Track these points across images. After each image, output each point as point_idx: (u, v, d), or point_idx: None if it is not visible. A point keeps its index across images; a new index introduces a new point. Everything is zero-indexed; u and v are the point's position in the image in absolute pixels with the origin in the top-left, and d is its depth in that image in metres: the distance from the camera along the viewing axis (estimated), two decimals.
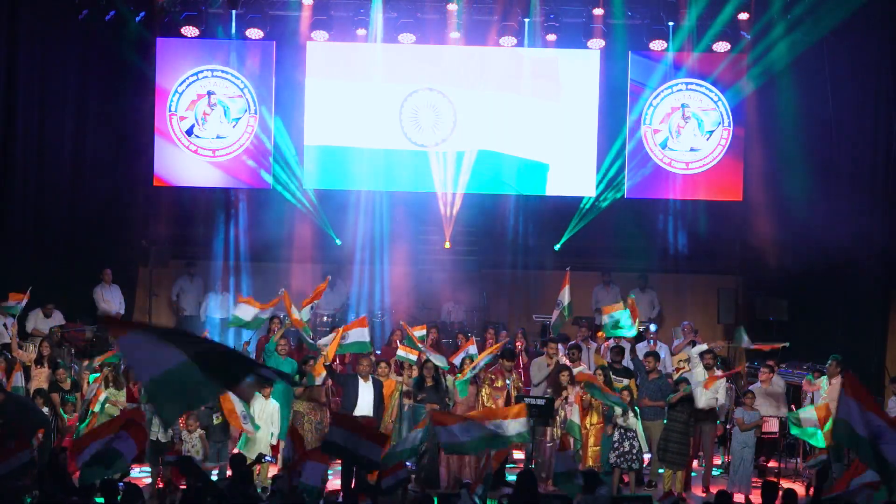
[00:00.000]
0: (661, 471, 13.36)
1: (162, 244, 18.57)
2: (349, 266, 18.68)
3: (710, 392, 13.51)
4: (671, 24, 17.93)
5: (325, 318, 17.36)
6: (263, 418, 13.13)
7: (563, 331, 16.24)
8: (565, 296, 15.59)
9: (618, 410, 12.93)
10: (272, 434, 13.18)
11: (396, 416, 13.56)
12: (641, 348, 15.39)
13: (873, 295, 17.18)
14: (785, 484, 13.49)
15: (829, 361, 13.60)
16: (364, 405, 12.92)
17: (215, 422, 12.92)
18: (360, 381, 13.09)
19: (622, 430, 12.88)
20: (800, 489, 13.62)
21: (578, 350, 14.59)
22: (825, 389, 13.51)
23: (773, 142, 18.22)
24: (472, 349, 14.18)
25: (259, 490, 12.89)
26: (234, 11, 17.86)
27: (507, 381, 13.76)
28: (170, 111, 18.27)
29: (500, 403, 13.53)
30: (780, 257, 17.90)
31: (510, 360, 13.99)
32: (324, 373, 13.35)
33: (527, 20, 17.97)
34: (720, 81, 18.36)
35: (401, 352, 14.31)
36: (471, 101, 18.43)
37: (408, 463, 12.88)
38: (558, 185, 18.60)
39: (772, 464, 14.43)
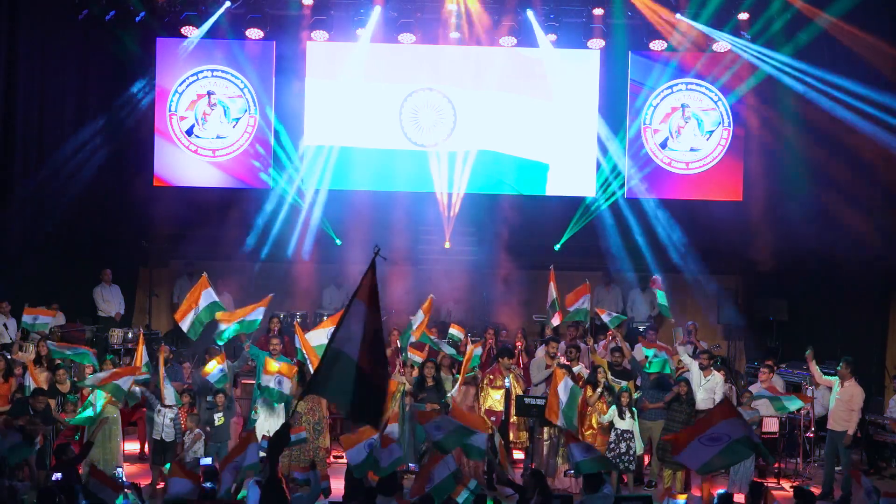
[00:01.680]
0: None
1: (162, 244, 18.58)
2: (349, 266, 18.65)
3: (706, 392, 13.52)
4: (671, 24, 17.92)
5: (325, 318, 17.32)
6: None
7: (562, 330, 16.23)
8: (551, 293, 15.50)
9: (614, 411, 12.96)
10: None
11: (400, 416, 13.52)
12: (641, 348, 15.37)
13: (873, 295, 17.20)
14: (785, 484, 13.55)
15: (840, 364, 13.59)
16: None
17: (217, 422, 12.92)
18: None
19: (619, 432, 12.89)
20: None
21: (577, 349, 14.58)
22: (837, 391, 13.50)
23: (773, 142, 18.22)
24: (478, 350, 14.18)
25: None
26: (234, 11, 17.83)
27: (507, 380, 13.73)
28: (170, 111, 18.27)
29: (500, 403, 13.51)
30: (780, 257, 17.89)
31: (509, 357, 13.96)
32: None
33: (527, 18, 17.96)
34: (720, 81, 18.36)
35: (411, 354, 14.30)
36: (471, 101, 18.43)
37: (411, 465, 12.89)
38: (558, 185, 18.60)
39: None
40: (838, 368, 13.61)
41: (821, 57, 17.39)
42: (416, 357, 14.19)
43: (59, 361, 14.11)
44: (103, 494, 9.80)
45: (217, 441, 12.94)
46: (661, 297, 14.94)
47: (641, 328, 17.02)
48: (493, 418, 13.40)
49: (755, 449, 10.25)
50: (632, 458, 12.89)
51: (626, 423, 12.94)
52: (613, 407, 13.05)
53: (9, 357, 14.09)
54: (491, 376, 13.65)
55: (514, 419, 13.62)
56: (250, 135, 18.38)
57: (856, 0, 16.48)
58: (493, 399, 13.48)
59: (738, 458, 10.45)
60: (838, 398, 13.43)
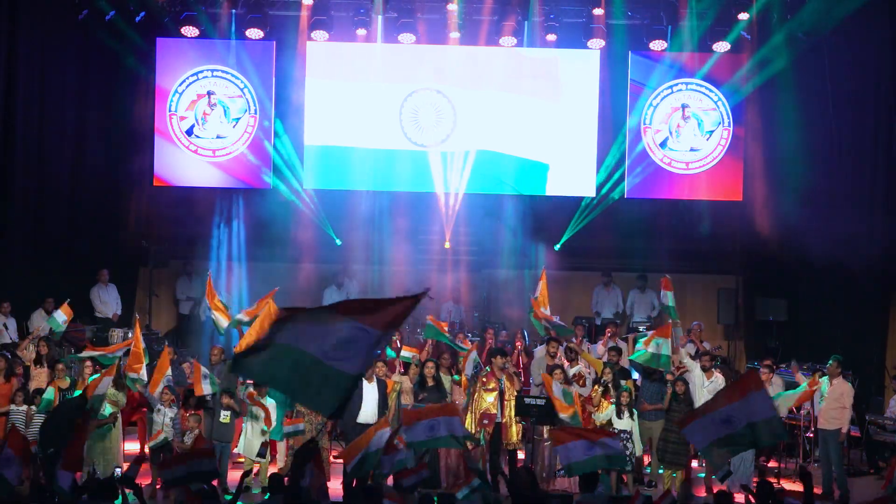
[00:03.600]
0: (661, 471, 13.36)
1: (162, 244, 18.57)
2: (349, 266, 18.68)
3: (710, 394, 13.50)
4: (671, 24, 17.93)
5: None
6: (258, 416, 13.16)
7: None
8: (536, 291, 15.42)
9: (612, 411, 12.96)
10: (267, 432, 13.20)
11: (395, 415, 13.54)
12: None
13: (873, 295, 17.21)
14: (785, 484, 13.53)
15: (830, 362, 13.60)
16: (369, 407, 12.92)
17: (222, 420, 12.92)
18: (365, 382, 13.10)
19: (616, 432, 12.87)
20: (800, 489, 13.61)
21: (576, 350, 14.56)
22: (826, 389, 13.51)
23: (773, 142, 18.22)
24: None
25: (257, 490, 12.95)
26: (234, 11, 17.86)
27: (500, 380, 13.62)
28: (170, 111, 18.27)
29: (494, 405, 13.43)
30: (779, 257, 17.89)
31: (502, 357, 13.87)
32: None
33: (527, 20, 17.96)
34: (720, 81, 18.35)
35: (404, 352, 14.28)
36: (471, 101, 18.42)
37: (408, 465, 12.88)
38: (558, 185, 18.59)
39: (772, 464, 14.44)
40: (828, 366, 13.61)
41: (821, 56, 17.40)
42: (407, 353, 14.23)
43: (59, 358, 14.13)
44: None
45: (220, 440, 12.93)
46: (670, 299, 14.77)
47: (641, 328, 17.01)
48: (485, 421, 13.33)
49: (774, 436, 9.62)
50: (627, 459, 12.86)
51: (625, 423, 12.93)
52: (612, 407, 13.04)
53: (9, 357, 14.08)
54: (484, 378, 13.54)
55: (506, 419, 13.54)
56: (250, 135, 18.38)
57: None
58: (487, 402, 13.39)
59: (743, 446, 9.80)
60: (827, 396, 13.43)
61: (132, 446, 14.41)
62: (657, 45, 18.06)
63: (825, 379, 13.60)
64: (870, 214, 17.13)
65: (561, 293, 17.71)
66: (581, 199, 18.63)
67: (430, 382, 13.48)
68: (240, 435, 13.43)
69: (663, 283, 14.77)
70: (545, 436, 13.26)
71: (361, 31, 18.04)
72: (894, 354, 17.03)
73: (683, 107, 18.51)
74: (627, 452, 12.84)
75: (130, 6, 17.66)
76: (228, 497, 11.82)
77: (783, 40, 17.59)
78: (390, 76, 18.40)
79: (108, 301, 17.54)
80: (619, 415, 12.95)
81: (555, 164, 18.52)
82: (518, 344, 15.59)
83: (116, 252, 18.24)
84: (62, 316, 14.89)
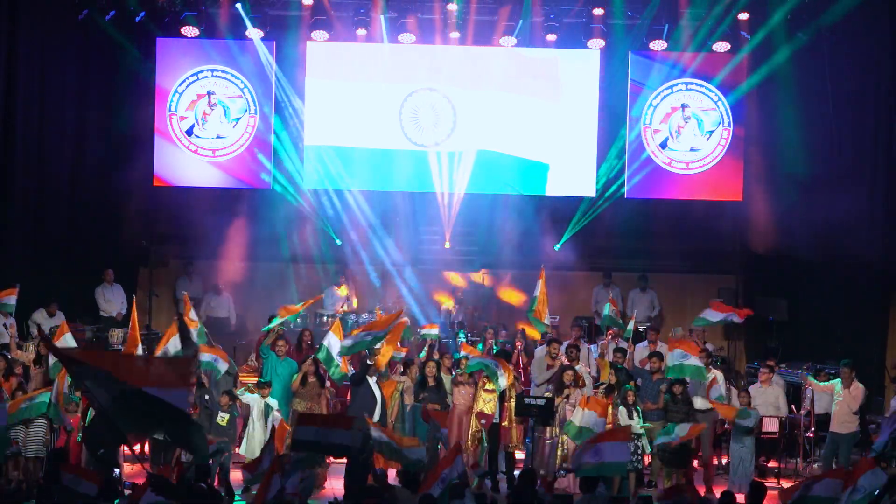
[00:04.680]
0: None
1: (162, 244, 18.57)
2: (349, 266, 18.68)
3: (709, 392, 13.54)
4: (671, 24, 17.93)
5: (325, 318, 17.35)
6: (260, 418, 13.15)
7: (563, 331, 16.25)
8: (536, 290, 15.42)
9: (623, 413, 12.97)
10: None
11: (397, 415, 13.56)
12: (641, 348, 15.38)
13: (873, 294, 17.22)
14: (785, 484, 13.54)
15: (842, 368, 13.59)
16: (380, 404, 13.02)
17: (218, 421, 12.91)
18: (369, 380, 13.16)
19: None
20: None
21: (577, 350, 14.56)
22: (839, 393, 13.49)
23: (773, 142, 18.22)
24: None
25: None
26: (236, 7, 17.83)
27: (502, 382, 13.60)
28: (170, 111, 18.27)
29: (492, 406, 13.42)
30: (779, 257, 17.90)
31: (504, 359, 13.89)
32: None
33: (526, 20, 17.96)
34: (720, 81, 18.35)
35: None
36: (471, 101, 18.43)
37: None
38: (558, 185, 18.60)
39: (772, 464, 14.44)
40: (841, 371, 13.59)
41: (821, 56, 17.41)
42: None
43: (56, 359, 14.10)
44: (82, 488, 9.74)
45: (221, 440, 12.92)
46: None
47: (641, 328, 17.00)
48: (483, 421, 13.34)
49: None
50: (640, 458, 12.90)
51: (634, 423, 12.93)
52: (622, 409, 13.03)
53: (9, 357, 14.07)
54: (485, 378, 13.54)
55: (506, 422, 13.54)
56: (250, 135, 18.38)
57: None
58: (485, 402, 13.40)
59: None
60: (840, 401, 13.42)
61: None
62: (657, 44, 18.06)
63: (838, 381, 13.59)
64: (870, 214, 17.13)
65: (561, 293, 17.71)
66: (581, 199, 18.63)
67: (431, 382, 13.50)
68: (240, 435, 13.44)
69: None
70: (547, 435, 13.28)
71: (361, 31, 18.05)
72: (894, 354, 17.04)
73: (683, 107, 18.52)
74: (639, 452, 12.88)
75: (130, 6, 17.65)
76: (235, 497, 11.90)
77: (783, 40, 17.58)
78: (390, 76, 18.41)
79: (112, 300, 17.55)
80: (629, 415, 12.96)
81: (555, 163, 18.53)
82: (518, 344, 15.59)
83: (116, 252, 18.21)
84: None
